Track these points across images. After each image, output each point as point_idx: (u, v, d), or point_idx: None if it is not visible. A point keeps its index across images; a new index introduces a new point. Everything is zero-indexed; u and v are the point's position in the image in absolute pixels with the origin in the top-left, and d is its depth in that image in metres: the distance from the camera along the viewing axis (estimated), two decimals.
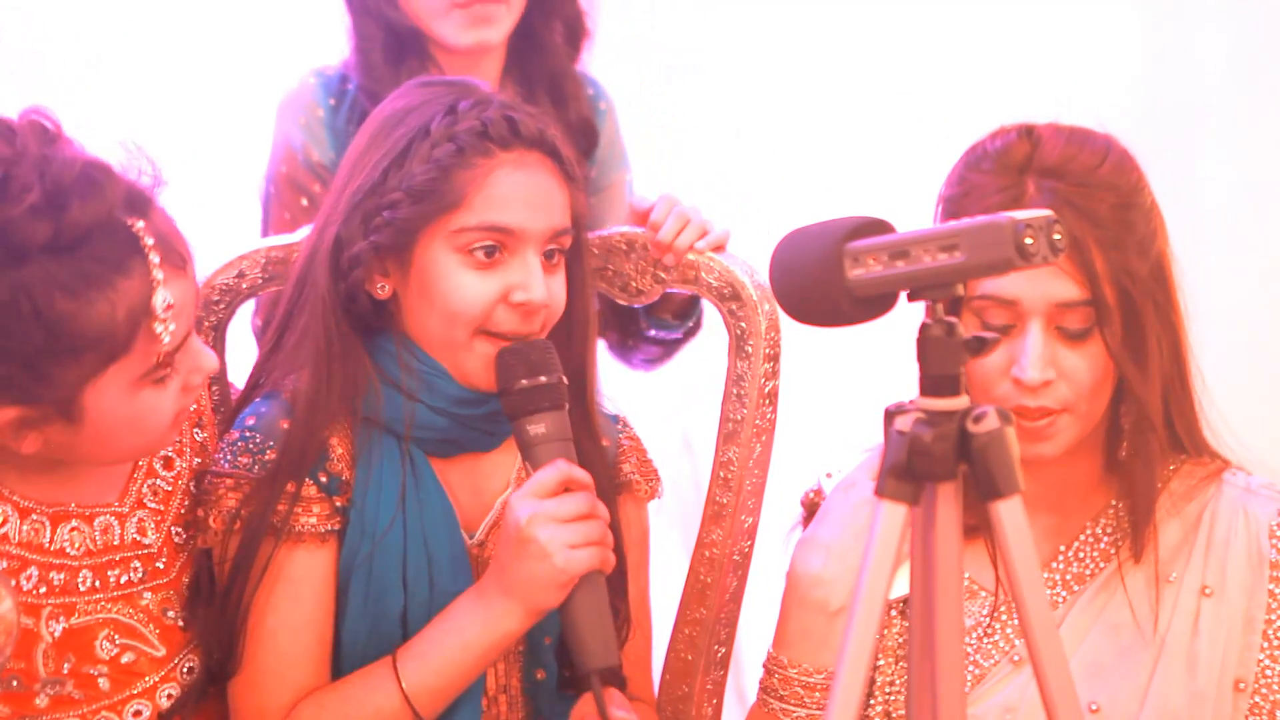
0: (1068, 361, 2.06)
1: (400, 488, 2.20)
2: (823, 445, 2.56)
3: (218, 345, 2.38)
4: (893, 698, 2.17)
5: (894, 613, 2.19)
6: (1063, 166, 2.07)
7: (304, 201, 2.77)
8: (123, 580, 2.14)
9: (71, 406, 1.98)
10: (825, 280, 1.68)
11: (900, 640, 2.18)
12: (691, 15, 3.80)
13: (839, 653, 1.64)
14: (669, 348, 2.74)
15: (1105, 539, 2.17)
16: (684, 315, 2.65)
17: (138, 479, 2.17)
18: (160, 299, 1.97)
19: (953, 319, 1.65)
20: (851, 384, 3.55)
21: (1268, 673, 2.10)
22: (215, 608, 2.17)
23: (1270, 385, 3.62)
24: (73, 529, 2.11)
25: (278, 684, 2.17)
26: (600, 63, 2.93)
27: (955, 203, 2.11)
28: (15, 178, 1.93)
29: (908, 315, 1.71)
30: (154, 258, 1.97)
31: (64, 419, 1.98)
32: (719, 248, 2.41)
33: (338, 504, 2.20)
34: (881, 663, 2.18)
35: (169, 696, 2.15)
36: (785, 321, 2.27)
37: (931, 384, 1.65)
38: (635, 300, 2.44)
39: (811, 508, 2.26)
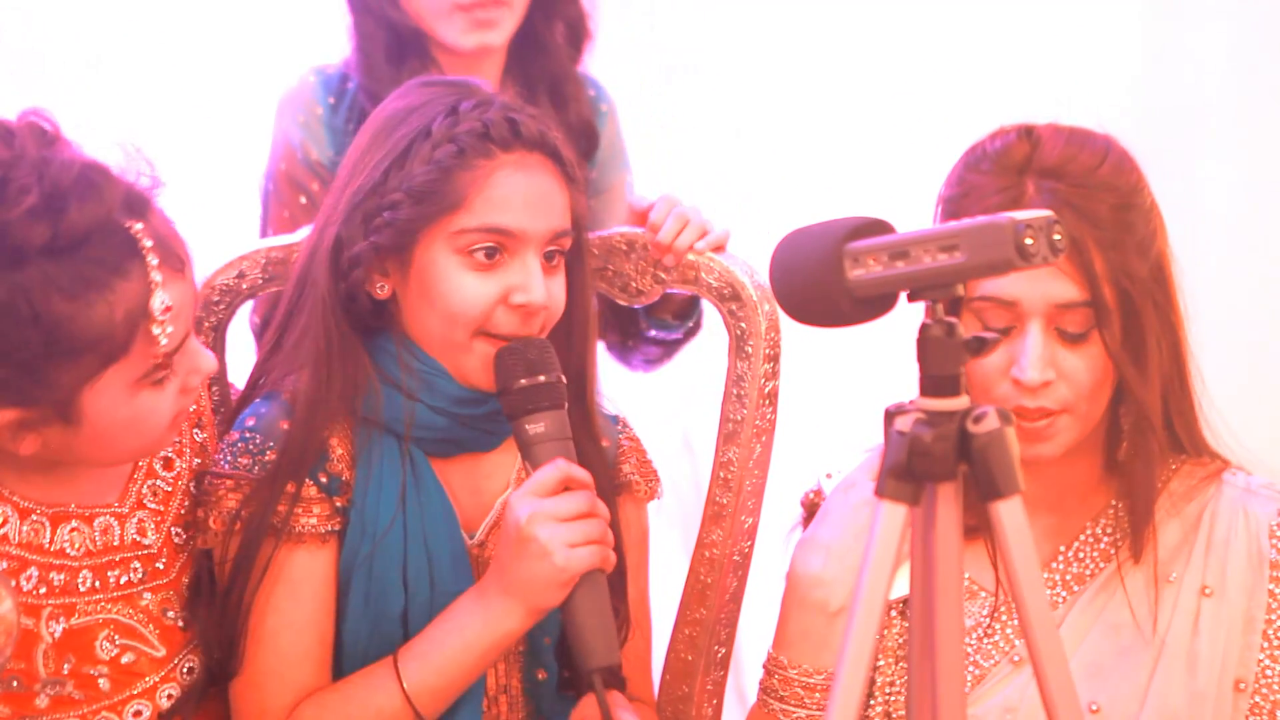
0: (1067, 362, 2.06)
1: (400, 488, 2.20)
2: (823, 445, 2.56)
3: (218, 345, 2.38)
4: (893, 698, 2.17)
5: (894, 613, 2.19)
6: (1062, 167, 2.07)
7: (302, 199, 2.78)
8: (123, 581, 2.14)
9: (70, 408, 1.98)
10: (825, 280, 1.68)
11: (900, 640, 2.18)
12: (691, 15, 3.80)
13: (839, 653, 1.64)
14: (669, 348, 2.73)
15: (1105, 539, 2.17)
16: (684, 315, 2.65)
17: (138, 479, 2.17)
18: (158, 301, 1.97)
19: (953, 319, 1.65)
20: (851, 384, 3.55)
21: (1268, 673, 2.10)
22: (216, 608, 2.17)
23: (1270, 385, 3.62)
24: (73, 529, 2.11)
25: (279, 684, 2.17)
26: (600, 63, 2.93)
27: (955, 203, 2.11)
28: (13, 180, 1.93)
29: (908, 315, 1.71)
30: (152, 260, 1.97)
31: (62, 421, 1.99)
32: (719, 248, 2.41)
33: (338, 504, 2.20)
34: (882, 663, 2.18)
35: (169, 697, 2.15)
36: (785, 322, 2.27)
37: (932, 384, 1.65)
38: (635, 300, 2.44)
39: (811, 508, 2.26)
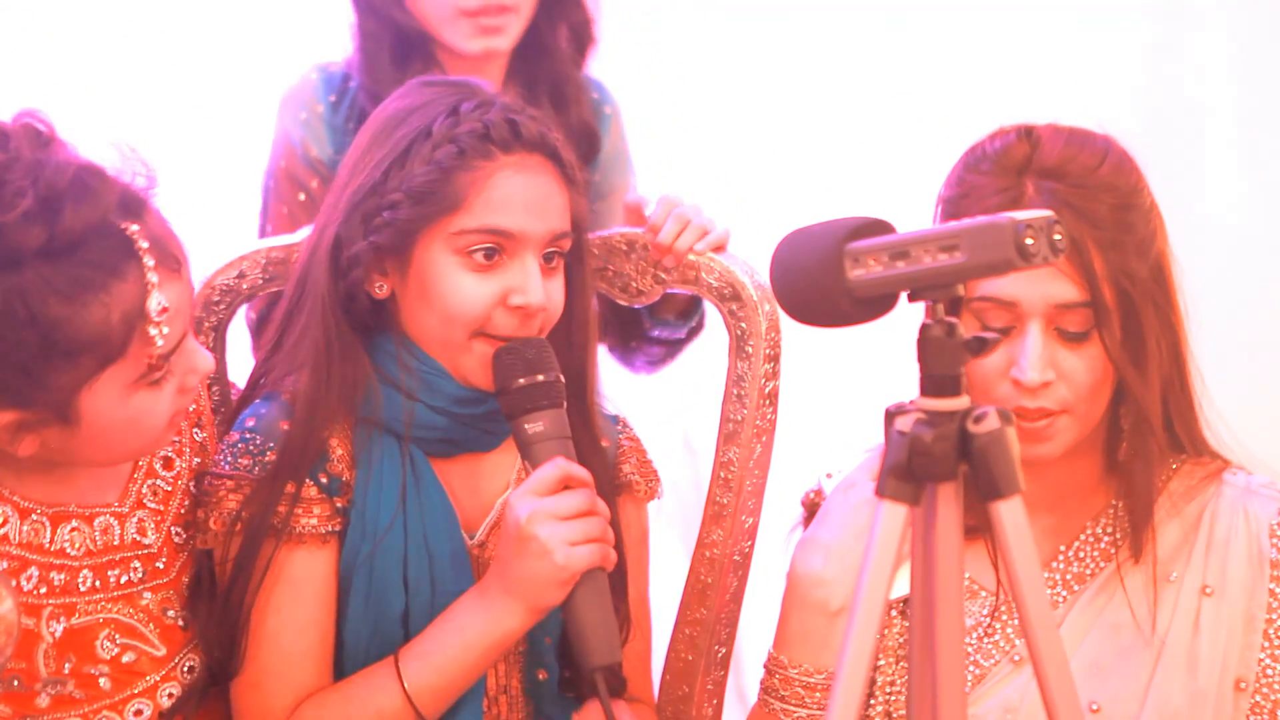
0: (1067, 363, 2.06)
1: (400, 488, 2.20)
2: (823, 445, 2.56)
3: (217, 345, 2.38)
4: (893, 698, 2.17)
5: (894, 613, 2.19)
6: (1062, 167, 2.07)
7: (301, 196, 2.78)
8: (123, 580, 2.14)
9: (67, 410, 1.98)
10: (825, 281, 1.68)
11: (901, 640, 2.18)
12: (692, 15, 3.80)
13: (839, 653, 1.64)
14: (672, 348, 2.73)
15: (1105, 539, 2.17)
16: (687, 315, 2.65)
17: (137, 479, 2.17)
18: (155, 302, 1.97)
19: (953, 319, 1.65)
20: (851, 384, 3.55)
21: (1268, 672, 2.10)
22: (216, 608, 2.17)
23: (1270, 385, 3.62)
24: (73, 529, 2.11)
25: (280, 684, 2.17)
26: (601, 63, 2.92)
27: (954, 204, 2.11)
28: (8, 183, 1.93)
29: (908, 315, 1.71)
30: (148, 261, 1.97)
31: (60, 422, 1.99)
32: (719, 248, 2.41)
33: (338, 505, 2.20)
34: (882, 663, 2.18)
35: (170, 696, 2.15)
36: (785, 322, 2.27)
37: (932, 384, 1.65)
38: (636, 301, 2.44)
39: (812, 508, 2.26)
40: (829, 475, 2.25)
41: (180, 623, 2.17)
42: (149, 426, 2.05)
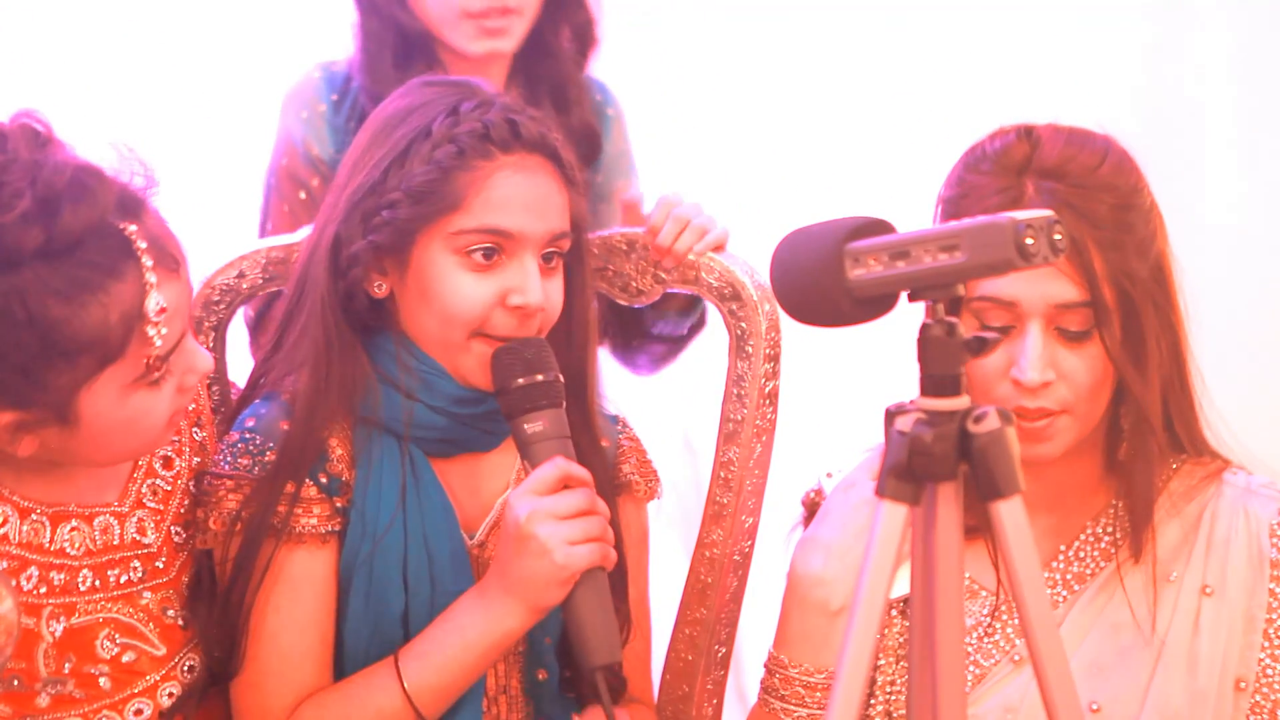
0: (1067, 363, 2.06)
1: (400, 487, 2.20)
2: (823, 445, 2.56)
3: (217, 345, 2.38)
4: (894, 697, 2.17)
5: (895, 612, 2.19)
6: (1062, 167, 2.07)
7: (301, 195, 2.78)
8: (123, 580, 2.14)
9: (66, 410, 1.98)
10: (826, 280, 1.68)
11: (901, 640, 2.18)
12: (692, 15, 3.80)
13: (840, 652, 1.64)
14: (675, 345, 2.72)
15: (1105, 539, 2.17)
16: (688, 311, 2.65)
17: (137, 479, 2.17)
18: (153, 303, 1.97)
19: (953, 319, 1.65)
20: (851, 384, 3.55)
21: (1268, 672, 2.10)
22: (216, 607, 2.17)
23: (1270, 385, 3.62)
24: (73, 529, 2.11)
25: (280, 684, 2.17)
26: (600, 62, 2.92)
27: (954, 204, 2.11)
28: (6, 184, 1.93)
29: (908, 315, 1.71)
30: (147, 261, 1.97)
31: (59, 422, 1.99)
32: (719, 247, 2.41)
33: (338, 504, 2.20)
34: (882, 662, 2.18)
35: (170, 695, 2.15)
36: (785, 321, 2.27)
37: (932, 384, 1.65)
38: (636, 300, 2.44)
39: (812, 508, 2.26)
40: (829, 475, 2.25)
41: (180, 622, 2.17)
42: (148, 426, 2.05)
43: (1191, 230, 2.39)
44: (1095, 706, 2.10)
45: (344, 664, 2.20)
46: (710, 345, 2.61)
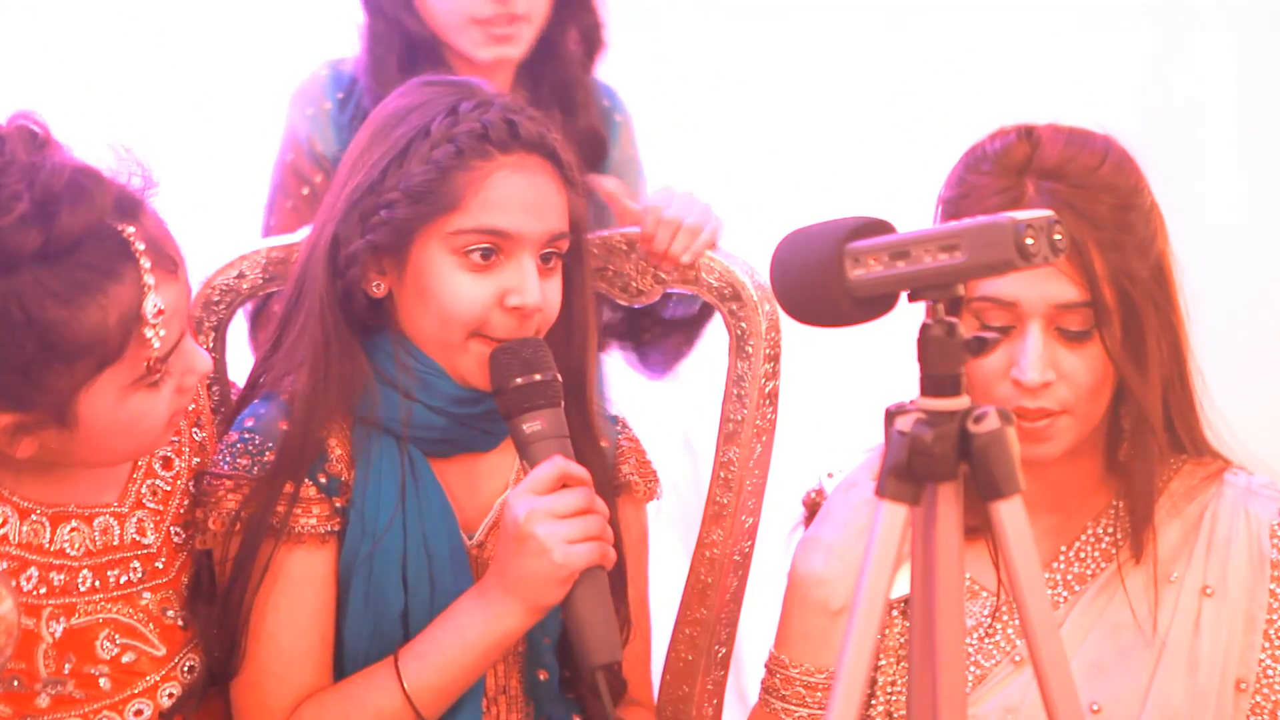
0: (1067, 363, 2.06)
1: (399, 487, 2.20)
2: (823, 445, 2.56)
3: (218, 345, 2.38)
4: (894, 698, 2.17)
5: (895, 613, 2.19)
6: (1062, 168, 2.07)
7: (305, 191, 2.78)
8: (122, 580, 2.14)
9: (65, 412, 1.98)
10: (826, 280, 1.68)
11: (901, 640, 2.18)
12: (692, 16, 3.80)
13: (840, 652, 1.64)
14: (690, 333, 2.69)
15: (1106, 539, 2.17)
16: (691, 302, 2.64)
17: (137, 479, 2.17)
18: (151, 304, 1.97)
19: (953, 319, 1.65)
20: (851, 384, 3.55)
21: (1269, 672, 2.10)
22: (216, 607, 2.17)
23: (1270, 385, 3.62)
24: (72, 529, 2.11)
25: (279, 685, 2.17)
26: (601, 63, 2.92)
27: (955, 204, 2.11)
28: (4, 186, 1.93)
29: (908, 315, 1.71)
30: (145, 263, 1.97)
31: (58, 424, 1.99)
32: (712, 244, 2.41)
33: (337, 505, 2.20)
34: (883, 662, 2.18)
35: (170, 695, 2.15)
36: (785, 321, 2.27)
37: (932, 384, 1.65)
38: (636, 300, 2.44)
39: (813, 508, 2.26)
40: (830, 475, 2.25)
41: (180, 623, 2.17)
42: (147, 427, 2.05)
43: (1191, 230, 2.39)
44: (1096, 707, 2.10)
45: (344, 664, 2.20)
46: (710, 345, 2.61)
